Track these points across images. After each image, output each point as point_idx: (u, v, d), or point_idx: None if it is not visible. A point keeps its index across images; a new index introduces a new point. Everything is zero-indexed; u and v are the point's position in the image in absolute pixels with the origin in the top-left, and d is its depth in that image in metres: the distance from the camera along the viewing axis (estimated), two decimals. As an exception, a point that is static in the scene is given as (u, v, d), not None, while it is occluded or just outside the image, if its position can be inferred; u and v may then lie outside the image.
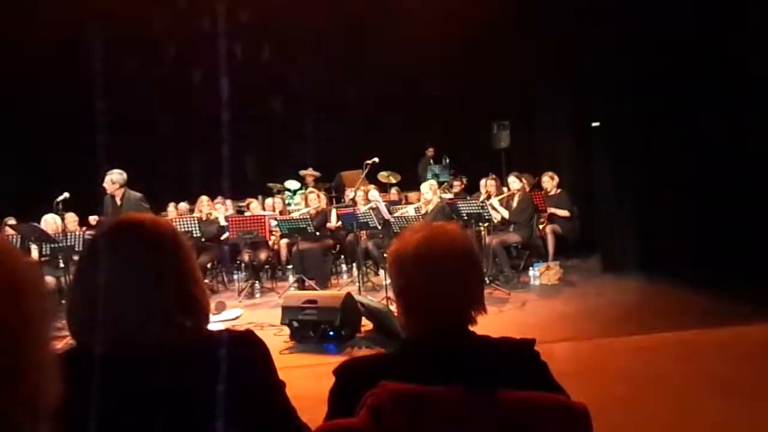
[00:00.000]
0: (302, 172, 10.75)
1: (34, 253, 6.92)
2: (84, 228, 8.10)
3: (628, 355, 4.25)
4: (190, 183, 10.60)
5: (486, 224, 7.55)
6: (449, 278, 1.30)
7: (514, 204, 7.30)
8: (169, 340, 1.18)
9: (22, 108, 9.74)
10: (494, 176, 8.08)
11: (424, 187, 7.67)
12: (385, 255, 7.70)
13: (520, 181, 7.35)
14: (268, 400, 1.26)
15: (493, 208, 7.17)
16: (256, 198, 9.90)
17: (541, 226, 7.66)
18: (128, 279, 1.16)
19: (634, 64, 7.02)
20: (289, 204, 9.80)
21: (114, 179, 6.32)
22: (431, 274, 1.29)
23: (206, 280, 7.83)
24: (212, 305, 6.26)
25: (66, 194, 6.28)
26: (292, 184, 10.68)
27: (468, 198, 8.60)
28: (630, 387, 3.61)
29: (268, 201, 9.54)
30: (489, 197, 7.56)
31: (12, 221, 7.27)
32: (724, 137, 6.18)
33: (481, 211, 6.84)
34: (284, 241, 8.16)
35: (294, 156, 11.12)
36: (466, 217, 7.11)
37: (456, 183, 10.20)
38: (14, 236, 6.60)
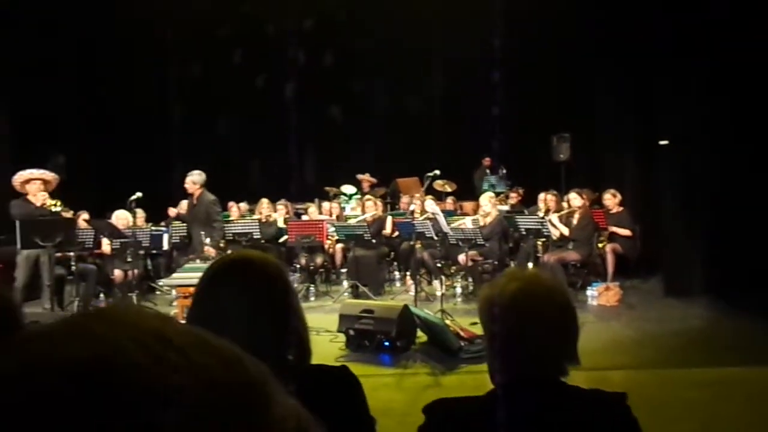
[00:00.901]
0: (359, 176, 10.87)
1: (105, 247, 7.27)
2: (151, 224, 8.44)
3: (692, 390, 4.12)
4: (250, 183, 10.90)
5: (543, 240, 7.47)
6: (545, 330, 1.32)
7: (574, 221, 7.18)
8: (276, 373, 1.25)
9: (101, 110, 10.22)
10: (554, 192, 7.97)
11: (483, 199, 7.64)
12: (439, 265, 7.72)
13: (582, 197, 7.23)
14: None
15: (553, 225, 7.08)
16: (313, 201, 10.06)
17: (600, 245, 7.51)
18: (241, 313, 1.23)
19: (706, 81, 6.81)
20: (344, 208, 9.92)
21: (195, 180, 6.60)
22: (528, 324, 1.32)
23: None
24: None
25: (139, 193, 6.57)
26: (348, 188, 10.80)
27: (525, 211, 8.52)
28: (695, 425, 3.50)
29: (325, 205, 9.68)
30: (548, 212, 7.47)
31: (86, 216, 7.64)
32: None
33: (540, 226, 6.76)
34: (339, 245, 8.27)
35: (351, 161, 11.24)
36: (524, 232, 7.06)
37: (513, 195, 10.11)
38: (88, 230, 6.94)
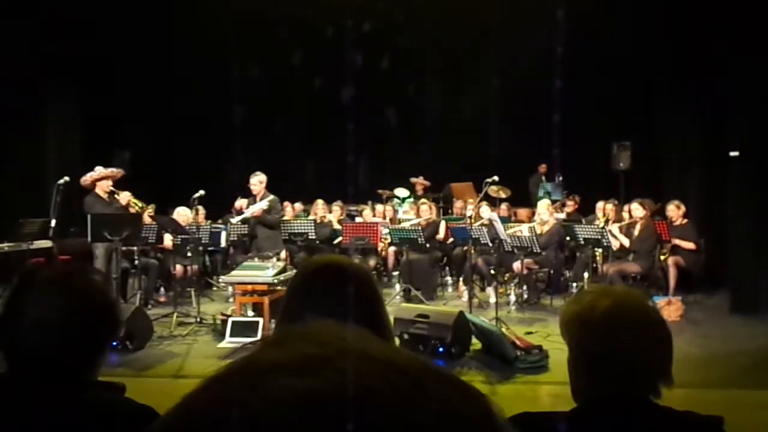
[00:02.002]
0: (412, 180, 10.86)
1: (167, 242, 7.50)
2: (210, 222, 8.67)
3: (763, 413, 3.93)
4: (304, 184, 11.05)
5: (601, 250, 7.28)
6: (639, 348, 1.29)
7: (636, 232, 6.98)
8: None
9: (165, 110, 10.57)
10: (615, 201, 7.76)
11: (541, 206, 7.51)
12: (493, 272, 7.63)
13: (644, 208, 7.02)
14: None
15: (613, 235, 6.89)
16: (367, 204, 10.12)
17: (662, 257, 7.27)
18: (332, 319, 1.25)
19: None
20: (397, 211, 9.94)
21: (261, 179, 6.78)
22: (622, 342, 1.28)
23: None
24: None
25: (201, 191, 6.76)
26: (401, 191, 10.81)
27: (583, 220, 8.33)
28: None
29: (379, 207, 9.72)
30: (607, 222, 7.28)
31: (150, 211, 7.91)
32: None
33: (600, 236, 6.60)
34: (392, 248, 8.29)
35: (405, 164, 11.25)
36: (582, 241, 6.90)
37: (569, 203, 9.90)
38: (152, 225, 7.18)
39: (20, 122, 8.95)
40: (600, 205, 8.24)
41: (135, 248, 7.20)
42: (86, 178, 6.64)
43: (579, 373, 1.36)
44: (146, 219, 7.29)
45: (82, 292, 1.33)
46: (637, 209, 7.01)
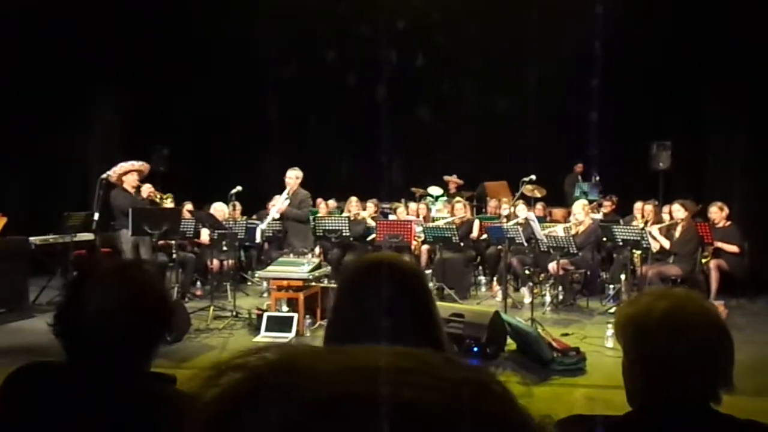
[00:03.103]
0: (446, 178, 10.81)
1: (204, 237, 7.62)
2: (245, 217, 8.77)
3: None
4: (338, 181, 11.09)
5: (640, 252, 7.13)
6: (698, 352, 1.25)
7: (676, 234, 6.81)
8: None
9: (202, 108, 10.73)
10: (655, 201, 7.59)
11: (577, 206, 7.40)
12: (527, 272, 7.55)
13: (686, 210, 6.84)
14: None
15: (652, 237, 6.74)
16: (400, 201, 10.11)
17: (704, 260, 7.08)
18: (382, 317, 1.24)
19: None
20: (430, 210, 9.90)
21: (298, 175, 6.84)
22: (681, 346, 1.25)
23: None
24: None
25: (239, 187, 6.85)
26: (434, 189, 10.77)
27: (620, 221, 8.17)
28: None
29: (412, 205, 9.70)
30: (647, 223, 7.13)
31: (189, 206, 8.04)
32: None
33: (639, 238, 6.46)
34: (425, 247, 8.26)
35: (438, 162, 11.20)
36: (620, 242, 6.77)
37: (606, 203, 9.72)
38: (190, 220, 7.31)
39: (65, 120, 9.22)
40: (638, 205, 8.08)
41: (173, 242, 7.33)
42: (111, 173, 6.77)
43: (635, 377, 1.32)
44: (185, 214, 7.42)
45: (140, 285, 1.35)
46: (678, 210, 6.84)
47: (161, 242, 6.76)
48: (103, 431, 1.27)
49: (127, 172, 6.75)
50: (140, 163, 6.94)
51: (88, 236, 7.21)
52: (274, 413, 0.36)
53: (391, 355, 0.39)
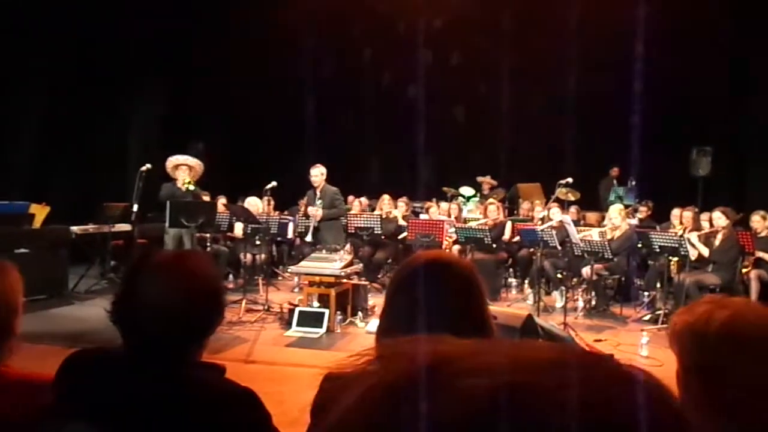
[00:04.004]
0: (479, 179, 10.75)
1: (238, 230, 7.72)
2: (278, 213, 8.85)
3: None
4: (370, 179, 11.13)
5: (677, 259, 6.99)
6: (761, 365, 1.21)
7: (716, 242, 6.65)
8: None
9: (238, 105, 10.88)
10: (695, 208, 7.42)
11: (613, 211, 7.27)
12: (560, 276, 7.45)
13: (727, 218, 6.68)
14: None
15: (691, 244, 6.59)
16: (431, 201, 10.08)
17: (744, 270, 6.90)
18: (438, 313, 1.24)
19: None
20: (461, 210, 9.85)
21: (322, 171, 6.87)
22: (744, 357, 1.22)
23: (379, 276, 8.17)
24: None
25: (274, 183, 6.91)
26: (466, 190, 10.71)
27: (657, 227, 8.01)
28: None
29: (444, 205, 9.66)
30: (685, 230, 6.97)
31: (224, 200, 8.16)
32: None
33: (677, 245, 6.33)
34: (456, 247, 8.22)
35: (471, 162, 11.14)
36: (657, 249, 6.64)
37: (642, 208, 9.54)
38: (224, 214, 7.41)
39: (107, 115, 9.46)
40: (676, 212, 7.91)
41: (207, 235, 7.44)
42: (168, 163, 6.85)
43: (691, 387, 1.29)
44: (219, 208, 7.52)
45: (195, 276, 1.37)
46: (719, 218, 6.68)
47: (197, 235, 6.87)
48: (156, 418, 1.29)
49: (178, 166, 6.85)
50: (195, 161, 7.01)
51: (126, 227, 7.36)
52: (450, 403, 0.35)
53: (547, 349, 0.39)
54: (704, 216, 7.45)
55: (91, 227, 7.38)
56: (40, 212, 6.91)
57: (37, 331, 5.06)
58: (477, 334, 1.26)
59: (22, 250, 6.16)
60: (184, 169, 6.90)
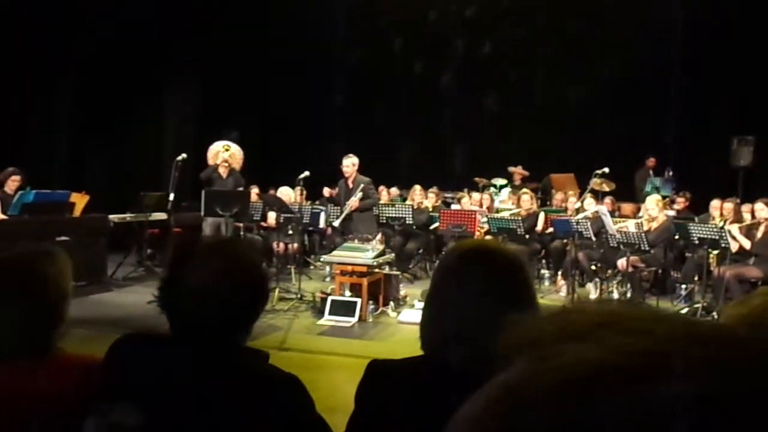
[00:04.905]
0: (511, 169, 10.63)
1: (271, 220, 7.80)
2: (309, 202, 8.91)
3: None
4: (400, 169, 11.11)
5: (717, 252, 6.81)
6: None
7: (759, 234, 6.46)
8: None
9: (271, 95, 10.96)
10: (736, 199, 7.22)
11: (650, 201, 7.12)
12: (594, 267, 7.34)
13: (770, 209, 6.47)
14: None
15: (732, 236, 6.42)
16: (462, 191, 10.02)
17: (788, 263, 6.68)
18: (483, 302, 1.23)
19: None
20: (493, 200, 9.76)
21: (354, 162, 6.85)
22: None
23: (410, 266, 8.16)
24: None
25: (306, 172, 6.94)
26: (498, 180, 10.61)
27: (695, 219, 7.82)
28: None
29: (476, 195, 9.59)
30: (726, 222, 6.79)
31: (256, 190, 8.24)
32: None
33: (717, 237, 6.17)
34: (489, 237, 8.16)
35: (504, 152, 11.02)
36: (696, 241, 6.48)
37: (679, 199, 9.31)
38: (258, 203, 7.49)
39: (143, 107, 9.64)
40: (716, 203, 7.69)
41: (241, 224, 7.53)
42: (210, 150, 6.93)
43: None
44: (253, 197, 7.60)
45: (240, 262, 1.39)
46: (762, 209, 6.48)
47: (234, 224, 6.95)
48: (203, 401, 1.31)
49: (217, 153, 6.93)
50: (235, 147, 7.06)
51: (162, 216, 7.50)
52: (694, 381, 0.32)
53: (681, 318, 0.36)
54: (745, 207, 7.25)
55: (128, 216, 7.54)
56: (80, 201, 7.09)
57: (78, 316, 5.17)
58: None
59: (63, 238, 6.32)
60: (225, 157, 6.99)
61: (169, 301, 1.40)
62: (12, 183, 6.76)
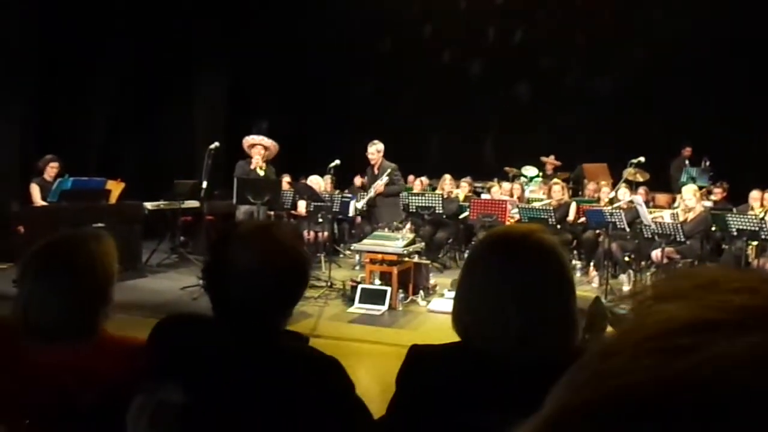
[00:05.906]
0: (543, 159, 10.50)
1: (301, 208, 7.85)
2: (338, 191, 8.94)
3: None
4: (430, 158, 11.05)
5: (756, 244, 6.64)
6: None
7: (800, 225, 6.26)
8: (548, 353, 1.21)
9: (301, 83, 11.00)
10: (777, 190, 7.02)
11: (687, 191, 6.97)
12: (627, 259, 7.23)
13: (812, 199, 6.27)
14: None
15: (772, 228, 6.24)
16: (493, 181, 9.94)
17: (830, 255, 6.49)
18: (516, 288, 1.21)
19: None
20: (524, 190, 9.67)
21: (379, 149, 6.84)
22: None
23: (440, 255, 8.14)
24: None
25: (337, 161, 6.96)
26: (529, 170, 10.49)
27: (733, 210, 7.63)
28: None
29: (505, 185, 9.50)
30: (766, 213, 6.60)
31: (288, 178, 8.30)
32: None
33: (757, 228, 6.01)
34: (526, 223, 8.10)
35: (534, 141, 10.87)
36: (735, 233, 6.33)
37: (717, 190, 9.09)
38: (288, 191, 7.54)
39: (176, 96, 9.77)
40: (756, 194, 7.48)
41: (272, 213, 7.59)
42: (244, 141, 6.97)
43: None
44: (284, 185, 7.65)
45: (281, 246, 1.40)
46: (804, 200, 6.29)
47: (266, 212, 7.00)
48: (246, 382, 1.33)
49: (254, 145, 6.98)
50: (271, 141, 7.10)
51: (194, 204, 7.61)
52: None
53: None
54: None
55: (162, 203, 7.66)
56: (115, 188, 7.23)
57: (115, 301, 5.32)
58: (562, 307, 1.23)
59: (100, 225, 6.45)
60: (259, 149, 7.00)
61: (213, 283, 1.41)
62: (51, 170, 6.92)
